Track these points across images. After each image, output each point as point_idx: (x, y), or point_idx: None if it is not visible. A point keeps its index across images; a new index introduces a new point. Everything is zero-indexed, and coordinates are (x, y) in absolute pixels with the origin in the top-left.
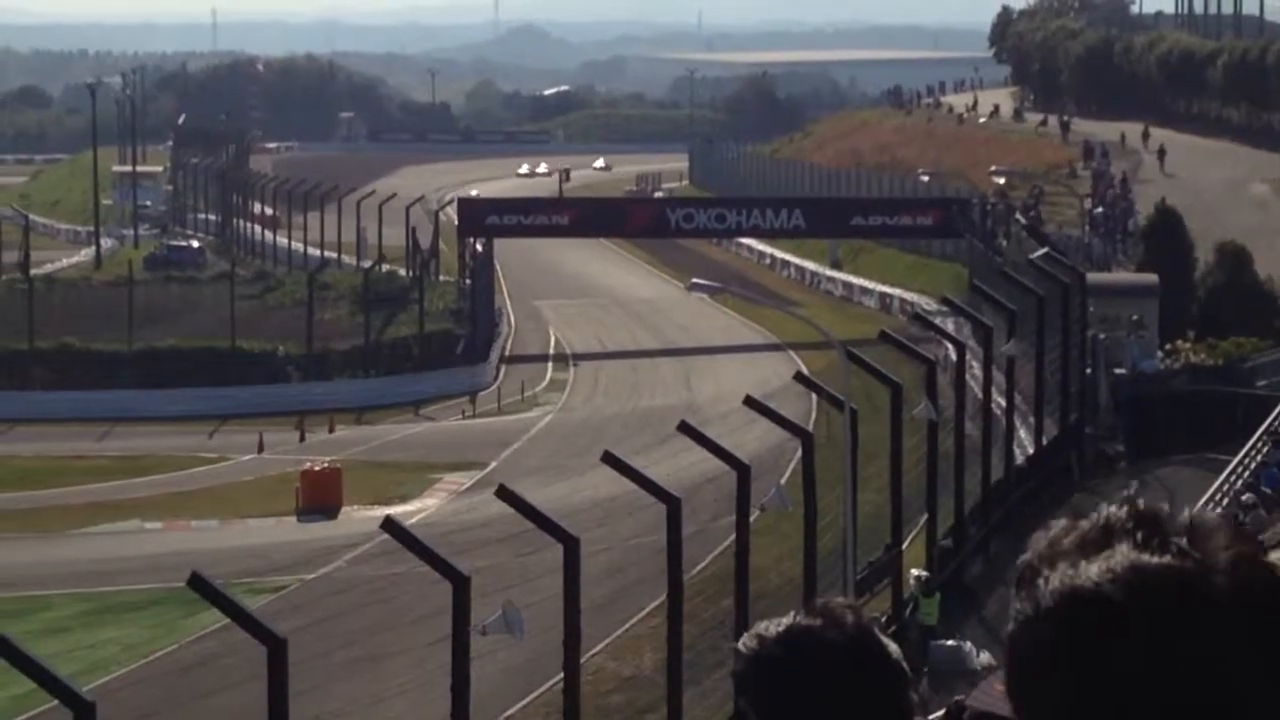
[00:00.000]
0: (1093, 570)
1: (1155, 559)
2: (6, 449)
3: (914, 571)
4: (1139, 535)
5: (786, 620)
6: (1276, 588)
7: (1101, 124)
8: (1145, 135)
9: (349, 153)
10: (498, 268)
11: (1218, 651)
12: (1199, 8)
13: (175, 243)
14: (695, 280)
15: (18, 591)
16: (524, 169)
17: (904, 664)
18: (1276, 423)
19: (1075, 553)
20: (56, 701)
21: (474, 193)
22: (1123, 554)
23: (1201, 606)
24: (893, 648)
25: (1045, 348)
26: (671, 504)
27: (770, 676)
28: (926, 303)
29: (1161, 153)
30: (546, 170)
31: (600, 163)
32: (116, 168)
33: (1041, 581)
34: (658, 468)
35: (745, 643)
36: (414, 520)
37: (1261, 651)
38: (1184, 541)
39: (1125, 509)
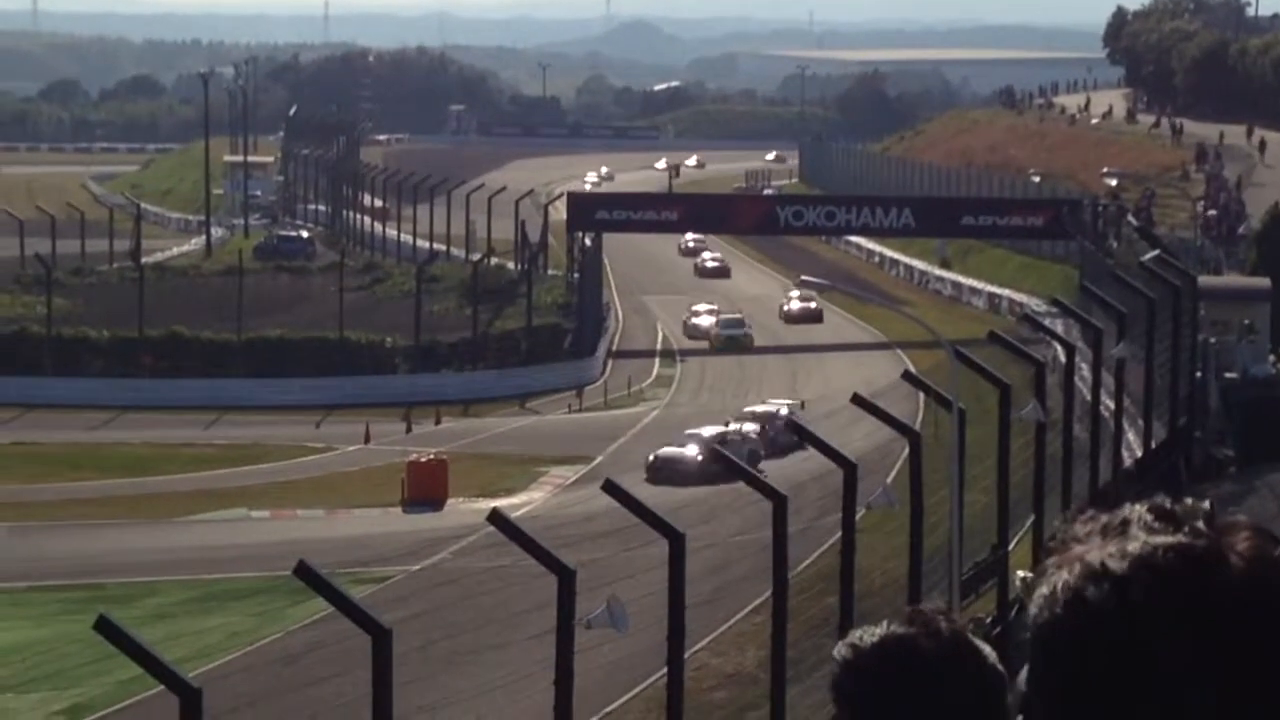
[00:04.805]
0: (1109, 549)
1: (1168, 540)
2: (116, 436)
3: (1019, 573)
4: (1156, 525)
5: (880, 629)
6: None
7: (1214, 126)
8: (1250, 133)
9: (459, 145)
10: (606, 262)
11: (1231, 635)
12: None
13: (285, 233)
14: (804, 277)
15: (125, 577)
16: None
17: (1000, 668)
18: None
19: (1094, 539)
20: (162, 687)
21: (591, 185)
22: (1138, 536)
23: (1213, 587)
24: (988, 652)
25: (1155, 351)
26: (777, 501)
27: (867, 686)
28: (1036, 304)
29: (1262, 146)
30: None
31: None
32: (228, 158)
33: (1063, 569)
34: (763, 464)
35: (840, 653)
36: (519, 513)
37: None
38: (1200, 524)
39: (1145, 504)
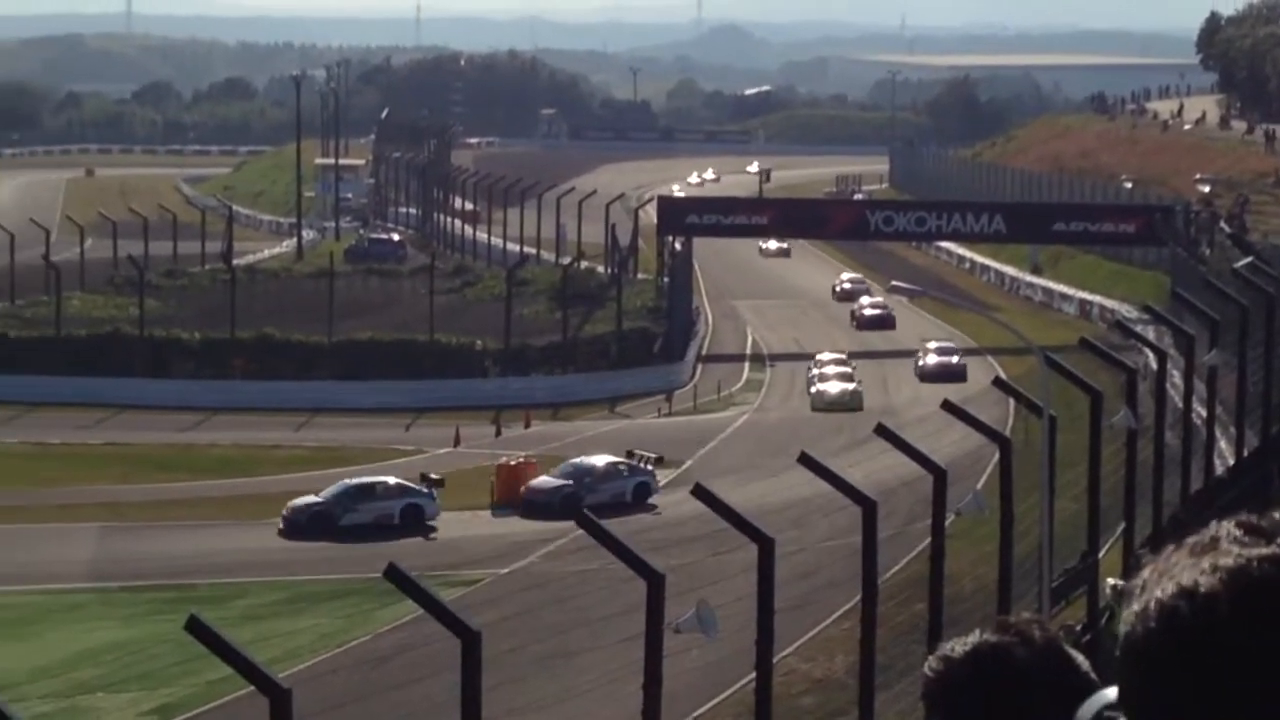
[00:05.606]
0: (1203, 565)
1: (1261, 551)
2: (207, 437)
3: (1110, 580)
4: (1246, 539)
5: (973, 639)
6: None
7: None
8: None
9: (549, 149)
10: (696, 267)
11: None
12: None
13: (376, 236)
14: (895, 283)
15: (216, 578)
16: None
17: (1093, 677)
18: None
19: (1185, 560)
20: (252, 688)
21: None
22: (1228, 552)
23: None
24: (1081, 661)
25: (1248, 358)
26: (867, 506)
27: (960, 697)
28: (1127, 310)
29: None
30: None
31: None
32: (319, 160)
33: (1155, 587)
34: (854, 470)
35: (931, 664)
36: (609, 517)
37: None
38: None
39: (1234, 521)
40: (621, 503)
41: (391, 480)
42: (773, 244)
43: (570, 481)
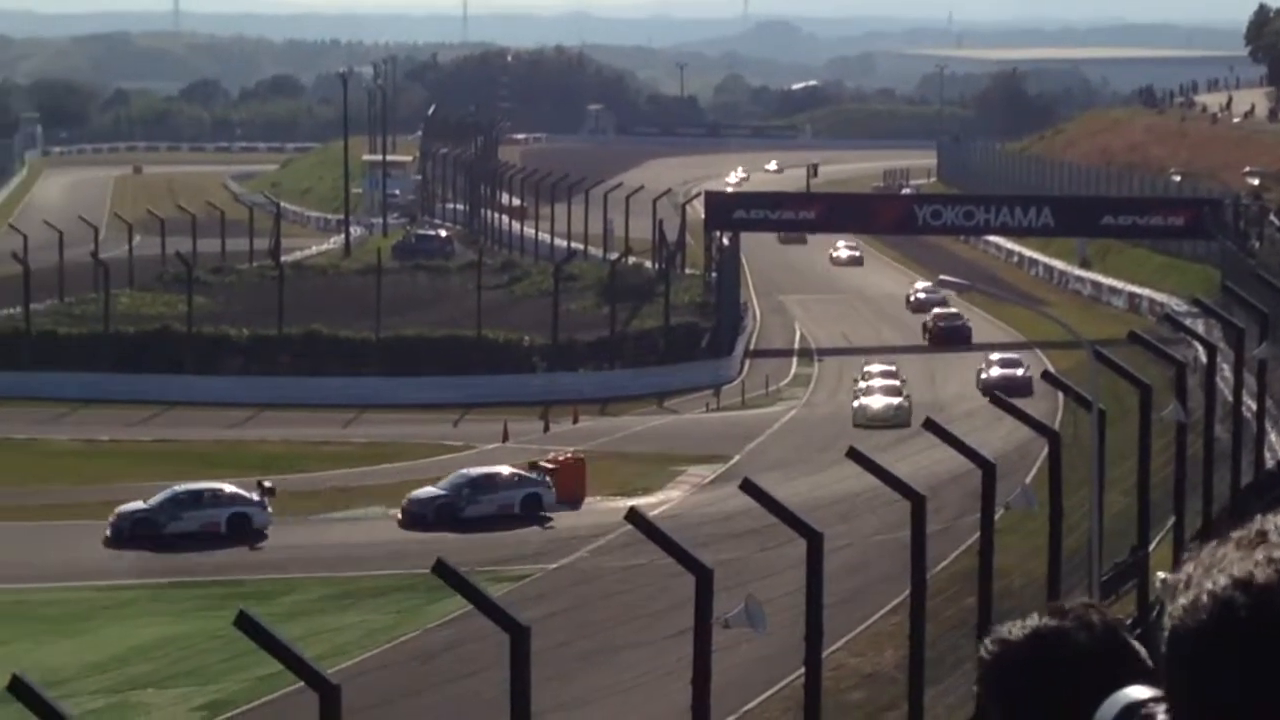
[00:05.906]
0: (1256, 557)
1: None
2: (254, 433)
3: (1160, 574)
4: None
5: (1031, 622)
6: None
7: None
8: None
9: (597, 145)
10: (744, 262)
11: None
12: None
13: (423, 232)
14: (943, 277)
15: (263, 574)
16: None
17: (1150, 664)
18: None
19: (1233, 553)
20: (300, 684)
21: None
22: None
23: None
24: (1139, 648)
25: None
26: (916, 501)
27: (1018, 679)
28: (1176, 304)
29: None
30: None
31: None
32: (366, 157)
33: (1205, 580)
34: (902, 464)
35: (988, 646)
36: (657, 512)
37: None
38: None
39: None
40: (510, 515)
41: (227, 488)
42: (844, 252)
43: (446, 492)
